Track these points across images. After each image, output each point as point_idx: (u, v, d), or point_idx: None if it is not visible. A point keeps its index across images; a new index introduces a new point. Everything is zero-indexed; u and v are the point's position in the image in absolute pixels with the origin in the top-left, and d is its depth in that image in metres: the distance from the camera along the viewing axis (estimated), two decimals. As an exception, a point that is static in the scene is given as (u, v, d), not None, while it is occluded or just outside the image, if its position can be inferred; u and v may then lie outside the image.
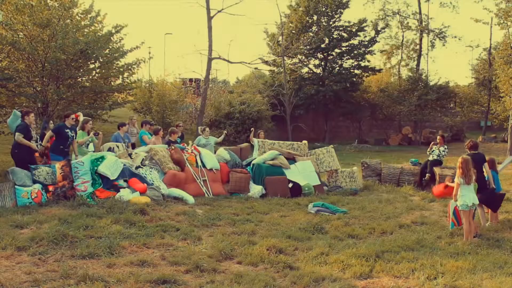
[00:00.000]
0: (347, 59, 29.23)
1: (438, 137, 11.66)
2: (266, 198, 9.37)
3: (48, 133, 8.89)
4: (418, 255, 5.64)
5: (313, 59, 29.51)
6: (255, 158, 10.75)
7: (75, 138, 9.08)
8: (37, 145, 8.79)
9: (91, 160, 8.26)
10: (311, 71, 29.80)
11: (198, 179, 9.47)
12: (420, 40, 30.81)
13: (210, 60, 21.04)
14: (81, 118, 10.27)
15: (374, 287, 4.67)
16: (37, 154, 9.08)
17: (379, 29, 30.10)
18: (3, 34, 12.36)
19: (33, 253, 5.16)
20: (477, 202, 6.50)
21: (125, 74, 15.17)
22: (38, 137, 9.06)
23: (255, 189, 9.72)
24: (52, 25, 12.70)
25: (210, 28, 20.64)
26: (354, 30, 28.80)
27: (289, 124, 26.19)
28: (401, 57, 32.30)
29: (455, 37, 40.56)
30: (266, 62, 26.91)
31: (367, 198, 9.65)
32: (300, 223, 7.21)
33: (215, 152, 10.80)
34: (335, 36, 28.58)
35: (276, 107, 26.01)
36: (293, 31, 28.29)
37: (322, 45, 28.13)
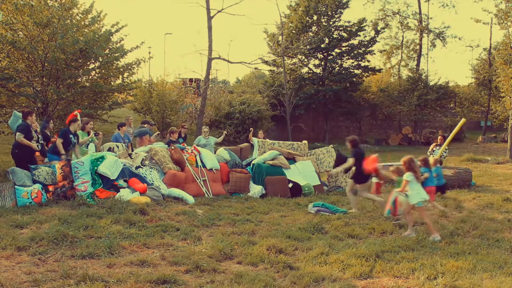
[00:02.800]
0: (347, 59, 29.20)
1: (439, 137, 11.64)
2: (266, 198, 9.37)
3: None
4: (418, 255, 5.64)
5: (313, 59, 29.49)
6: (255, 158, 10.75)
7: (77, 143, 9.25)
8: (37, 145, 8.78)
9: (91, 160, 8.26)
10: (311, 71, 29.77)
11: (198, 179, 9.47)
12: (420, 40, 30.83)
13: (210, 60, 21.01)
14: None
15: (374, 287, 4.66)
16: (37, 154, 9.08)
17: (379, 29, 30.09)
18: (3, 34, 12.34)
19: (33, 253, 5.17)
20: (428, 197, 6.82)
21: (125, 74, 15.15)
22: (39, 136, 9.03)
23: (255, 189, 9.72)
24: (52, 25, 12.69)
25: (210, 28, 20.61)
26: (354, 30, 28.78)
27: (289, 124, 26.17)
28: (401, 57, 32.35)
29: (455, 37, 40.90)
30: (266, 62, 26.90)
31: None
32: (300, 223, 7.21)
33: (215, 152, 10.80)
34: (335, 36, 28.56)
35: (276, 107, 26.01)
36: (293, 31, 28.26)
37: (322, 45, 28.10)
